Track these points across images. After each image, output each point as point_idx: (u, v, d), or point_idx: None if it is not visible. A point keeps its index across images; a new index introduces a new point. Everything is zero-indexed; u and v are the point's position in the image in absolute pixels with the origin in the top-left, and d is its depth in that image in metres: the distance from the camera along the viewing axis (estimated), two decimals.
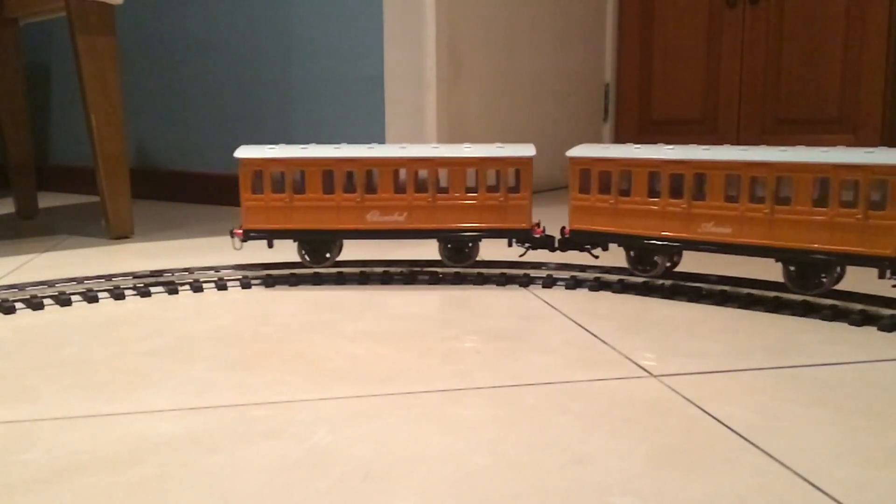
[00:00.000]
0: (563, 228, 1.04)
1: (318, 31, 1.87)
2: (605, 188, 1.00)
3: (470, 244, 1.07)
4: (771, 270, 0.92)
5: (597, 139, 2.53)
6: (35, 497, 0.48)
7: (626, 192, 0.99)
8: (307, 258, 1.08)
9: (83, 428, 0.59)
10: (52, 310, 0.96)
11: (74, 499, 0.48)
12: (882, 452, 0.53)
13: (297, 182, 1.05)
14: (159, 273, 1.07)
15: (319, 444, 0.55)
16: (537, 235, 1.05)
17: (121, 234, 1.54)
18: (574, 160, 1.02)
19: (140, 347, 0.80)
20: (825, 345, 0.77)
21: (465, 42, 1.96)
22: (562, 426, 0.58)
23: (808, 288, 0.88)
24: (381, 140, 1.79)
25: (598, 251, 1.04)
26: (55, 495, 0.48)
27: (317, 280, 1.08)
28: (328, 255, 1.08)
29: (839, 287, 0.90)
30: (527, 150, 1.03)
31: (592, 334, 0.82)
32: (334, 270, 1.09)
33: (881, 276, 0.83)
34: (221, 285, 1.06)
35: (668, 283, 0.99)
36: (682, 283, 0.98)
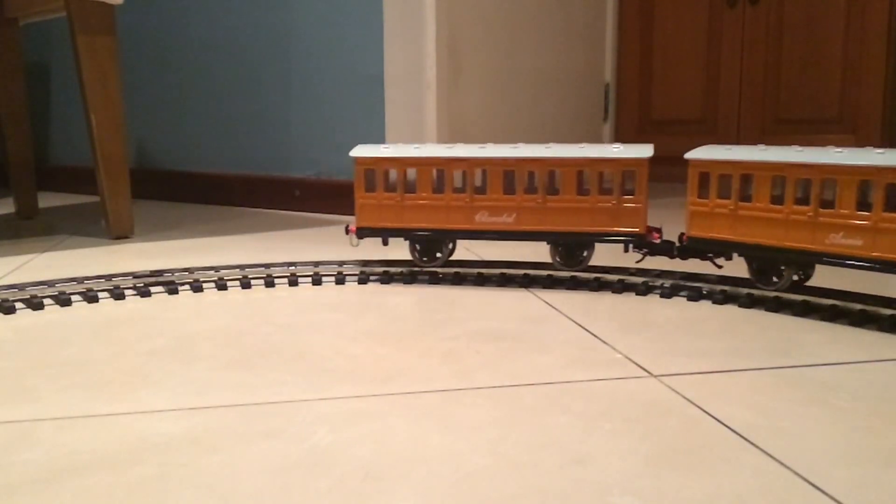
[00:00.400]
0: (682, 235, 0.98)
1: (318, 31, 1.87)
2: (724, 193, 0.92)
3: (585, 250, 1.03)
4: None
5: (596, 139, 2.53)
6: (35, 497, 0.48)
7: (748, 198, 0.91)
8: (419, 257, 1.08)
9: (83, 428, 0.59)
10: (52, 310, 0.96)
11: (74, 499, 0.48)
12: (882, 452, 0.53)
13: (407, 181, 1.05)
14: (159, 273, 1.07)
15: (319, 444, 0.55)
16: (656, 241, 0.99)
17: (121, 234, 1.54)
18: (694, 163, 0.95)
19: (140, 347, 0.80)
20: (825, 345, 0.77)
21: (465, 42, 1.96)
22: (562, 426, 0.58)
23: None
24: (380, 140, 1.79)
25: (721, 260, 0.97)
26: (55, 495, 0.48)
27: (316, 280, 1.08)
28: (439, 254, 1.07)
29: (839, 287, 0.90)
30: (643, 150, 0.98)
31: (592, 334, 0.82)
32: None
33: None
34: (221, 285, 1.06)
35: (667, 283, 0.99)
36: (682, 283, 0.99)
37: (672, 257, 0.99)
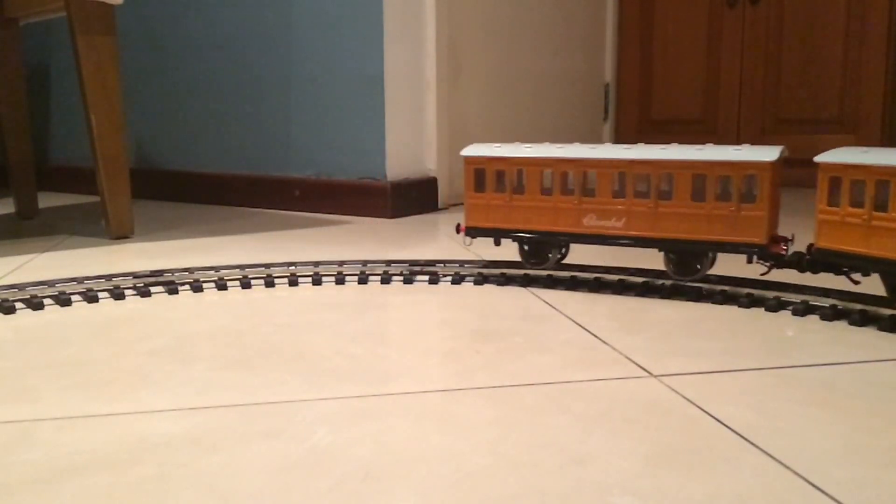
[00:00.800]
0: (810, 246, 0.89)
1: (319, 31, 1.87)
2: (857, 200, 0.84)
3: (702, 261, 0.95)
4: None
5: (596, 139, 2.53)
6: (35, 497, 0.48)
7: (883, 207, 0.81)
8: (527, 258, 1.06)
9: (83, 428, 0.59)
10: (52, 310, 0.96)
11: (74, 499, 0.48)
12: (882, 452, 0.53)
13: (516, 181, 1.03)
14: (159, 273, 1.07)
15: (319, 444, 0.55)
16: (782, 252, 0.90)
17: (121, 234, 1.54)
18: (824, 166, 0.86)
19: (140, 347, 0.80)
20: (825, 345, 0.77)
21: (465, 42, 1.96)
22: (562, 426, 0.58)
23: None
24: (380, 139, 1.79)
25: (857, 276, 0.88)
26: (55, 495, 0.48)
27: (316, 280, 1.08)
28: (549, 255, 1.05)
29: (839, 287, 0.90)
30: (767, 153, 0.89)
31: (592, 334, 0.82)
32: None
33: None
34: (221, 285, 1.06)
35: (667, 283, 0.99)
36: (682, 282, 0.98)
37: (802, 271, 0.90)
